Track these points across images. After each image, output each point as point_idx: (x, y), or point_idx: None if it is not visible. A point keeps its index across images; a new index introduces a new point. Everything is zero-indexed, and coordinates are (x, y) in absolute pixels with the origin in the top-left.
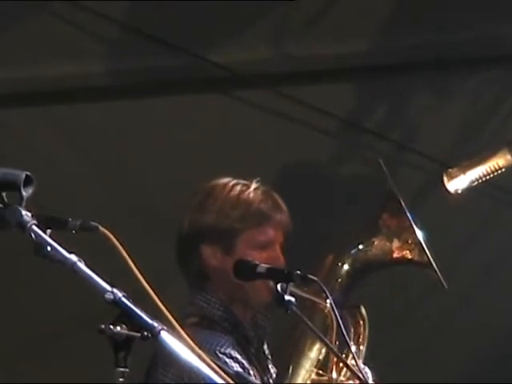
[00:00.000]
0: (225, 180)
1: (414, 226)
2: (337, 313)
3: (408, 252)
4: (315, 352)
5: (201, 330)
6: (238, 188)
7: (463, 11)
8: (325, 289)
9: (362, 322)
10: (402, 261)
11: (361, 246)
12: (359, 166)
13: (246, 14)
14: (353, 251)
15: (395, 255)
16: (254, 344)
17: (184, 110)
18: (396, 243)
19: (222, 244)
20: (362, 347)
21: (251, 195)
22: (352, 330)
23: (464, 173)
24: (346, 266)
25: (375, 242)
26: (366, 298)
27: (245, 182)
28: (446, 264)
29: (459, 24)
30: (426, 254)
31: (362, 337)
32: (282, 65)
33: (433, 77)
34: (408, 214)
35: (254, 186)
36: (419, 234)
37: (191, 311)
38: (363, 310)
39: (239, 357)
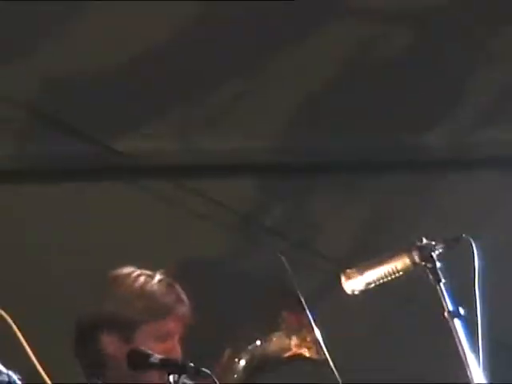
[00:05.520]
0: (128, 270)
1: (313, 323)
2: None
3: (306, 350)
4: None
5: None
6: (142, 279)
7: (369, 116)
8: (217, 382)
9: None
10: (300, 358)
11: (258, 342)
12: (258, 263)
13: (153, 105)
14: (250, 347)
15: (293, 352)
16: None
17: (87, 197)
18: (295, 340)
19: (121, 333)
20: None
21: (155, 287)
22: None
23: (362, 274)
24: (242, 362)
25: (274, 339)
26: None
27: (149, 272)
28: (342, 364)
29: (364, 129)
30: (323, 352)
31: None
32: (187, 157)
33: (335, 178)
34: (308, 312)
35: (158, 277)
36: (317, 333)
37: None
38: None
39: None
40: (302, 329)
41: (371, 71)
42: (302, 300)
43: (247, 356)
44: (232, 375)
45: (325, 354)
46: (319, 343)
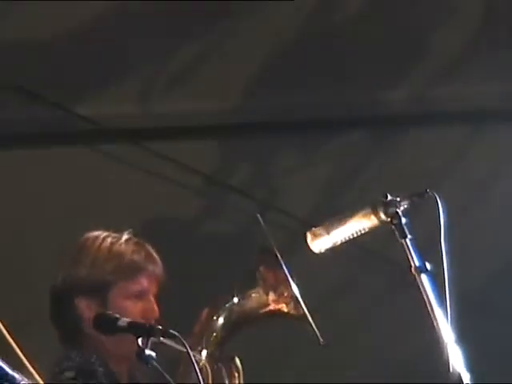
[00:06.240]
0: (96, 233)
1: (290, 279)
2: (195, 364)
3: (284, 305)
4: None
5: None
6: (109, 240)
7: (331, 74)
8: (185, 343)
9: (236, 374)
10: (278, 314)
11: (236, 299)
12: (224, 224)
13: (114, 69)
14: (228, 304)
15: (271, 308)
16: None
17: (49, 162)
18: (272, 296)
19: (96, 296)
20: None
21: (123, 246)
22: (227, 381)
23: (328, 232)
24: (221, 320)
25: (251, 295)
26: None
27: (116, 234)
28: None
29: (326, 86)
30: (301, 307)
31: None
32: (149, 120)
33: (298, 137)
34: (284, 268)
35: (125, 237)
36: (295, 288)
37: (67, 366)
38: (238, 362)
39: None
40: (280, 284)
41: (332, 28)
42: (279, 256)
43: (225, 313)
44: (211, 333)
45: (303, 310)
46: (297, 298)
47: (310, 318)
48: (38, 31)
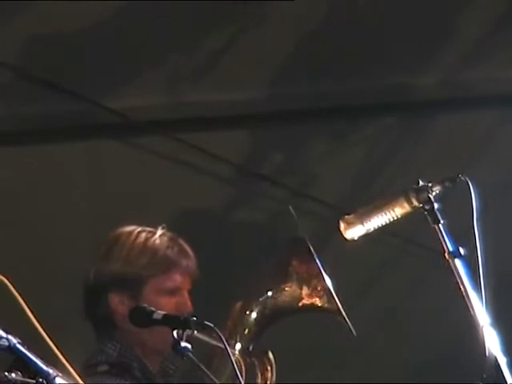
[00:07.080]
0: (130, 228)
1: (323, 273)
2: (232, 356)
3: (317, 299)
4: None
5: (111, 378)
6: (144, 235)
7: (360, 60)
8: (221, 335)
9: (269, 368)
10: (312, 308)
11: (270, 293)
12: (255, 213)
13: (141, 60)
14: (261, 298)
15: (304, 302)
16: None
17: (79, 156)
18: (306, 290)
19: (129, 291)
20: None
21: (157, 242)
22: (259, 375)
23: (361, 220)
24: (254, 314)
25: (285, 289)
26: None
27: (150, 228)
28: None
29: (355, 72)
30: (335, 301)
31: (269, 382)
32: (177, 111)
33: (328, 124)
34: (317, 261)
35: (159, 232)
36: (328, 281)
37: (101, 359)
38: (271, 355)
39: None
40: (313, 278)
41: (359, 14)
42: (312, 250)
43: (258, 308)
44: (244, 328)
45: (337, 303)
46: (330, 292)
47: (343, 312)
48: (65, 25)
